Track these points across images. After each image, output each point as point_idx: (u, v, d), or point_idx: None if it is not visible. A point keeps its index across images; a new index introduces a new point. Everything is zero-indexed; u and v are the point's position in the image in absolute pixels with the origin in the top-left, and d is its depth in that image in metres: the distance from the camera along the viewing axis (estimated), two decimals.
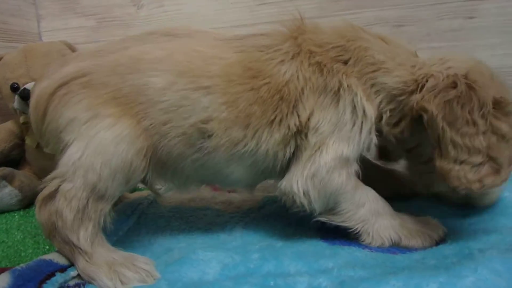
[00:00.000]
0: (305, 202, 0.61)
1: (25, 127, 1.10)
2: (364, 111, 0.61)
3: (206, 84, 0.60)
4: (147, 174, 0.64)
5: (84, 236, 0.58)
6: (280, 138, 0.62)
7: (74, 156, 0.58)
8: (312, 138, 0.61)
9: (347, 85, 0.61)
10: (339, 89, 0.61)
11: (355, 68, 0.62)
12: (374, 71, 0.62)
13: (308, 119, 0.61)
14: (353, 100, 0.61)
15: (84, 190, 0.58)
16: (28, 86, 1.02)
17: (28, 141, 1.09)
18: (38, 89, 0.63)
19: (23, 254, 0.74)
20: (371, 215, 0.63)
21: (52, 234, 0.59)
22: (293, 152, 0.64)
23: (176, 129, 0.61)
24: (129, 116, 0.60)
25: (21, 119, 1.07)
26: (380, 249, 0.63)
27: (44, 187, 0.61)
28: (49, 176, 0.60)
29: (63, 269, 0.60)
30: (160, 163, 0.64)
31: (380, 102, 0.63)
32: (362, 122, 0.61)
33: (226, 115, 0.61)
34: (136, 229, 0.76)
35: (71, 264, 0.61)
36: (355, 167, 0.62)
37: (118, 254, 0.60)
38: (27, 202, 1.06)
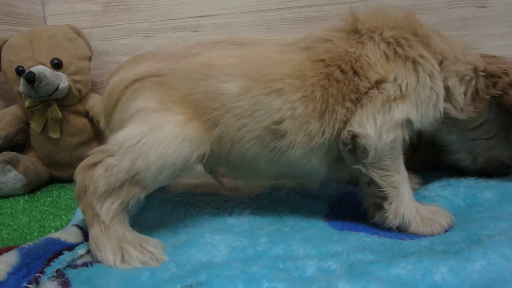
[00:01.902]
0: (367, 145, 0.62)
1: (30, 111, 1.10)
2: (435, 86, 0.65)
3: (278, 87, 0.63)
4: (213, 166, 0.69)
5: (108, 208, 0.60)
6: (349, 105, 0.64)
7: (131, 140, 0.60)
8: (391, 91, 0.63)
9: (426, 56, 0.65)
10: (420, 56, 0.65)
11: (427, 48, 0.66)
12: (443, 59, 0.68)
13: (384, 78, 0.63)
14: (428, 71, 0.65)
15: (127, 173, 0.59)
16: (34, 69, 1.02)
17: (33, 125, 1.09)
18: (112, 81, 0.67)
19: (28, 237, 0.74)
20: (401, 186, 0.64)
21: (81, 196, 0.61)
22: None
23: (251, 133, 0.64)
24: (200, 121, 0.62)
25: (26, 103, 1.07)
26: (388, 234, 0.63)
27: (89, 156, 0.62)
28: (97, 148, 0.62)
29: (70, 247, 0.59)
30: (233, 165, 0.68)
31: (454, 87, 0.70)
32: (438, 94, 0.65)
33: (302, 110, 0.63)
34: (143, 213, 0.76)
35: (79, 243, 0.61)
36: (407, 134, 0.65)
37: (132, 234, 0.61)
38: (32, 187, 1.07)
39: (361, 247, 0.58)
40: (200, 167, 0.65)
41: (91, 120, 1.14)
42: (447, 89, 0.69)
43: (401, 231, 0.65)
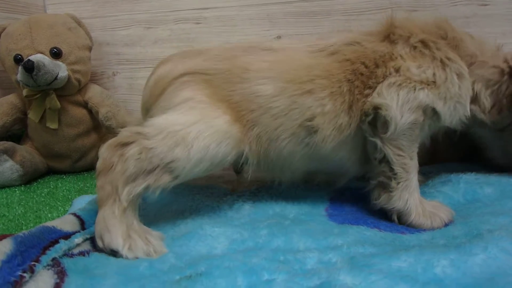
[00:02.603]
0: (388, 118, 0.64)
1: (28, 100, 1.08)
2: (463, 85, 0.67)
3: (310, 88, 0.66)
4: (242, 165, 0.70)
5: (130, 191, 0.59)
6: (369, 92, 0.66)
7: (175, 126, 0.60)
8: (415, 71, 0.65)
9: (453, 58, 0.67)
10: (447, 58, 0.67)
11: (455, 51, 0.69)
12: (472, 63, 0.70)
13: (408, 64, 0.66)
14: (459, 71, 0.67)
15: (162, 159, 0.59)
16: (32, 57, 1.01)
17: (31, 115, 1.08)
18: (160, 70, 0.70)
19: (24, 227, 0.74)
20: (411, 171, 0.66)
21: (104, 173, 0.59)
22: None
23: (286, 132, 0.67)
24: (241, 122, 0.65)
25: (24, 92, 1.06)
26: (389, 228, 0.64)
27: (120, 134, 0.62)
28: (130, 128, 0.62)
29: (67, 236, 0.58)
30: (269, 164, 0.70)
31: (480, 91, 0.72)
32: (465, 94, 0.67)
33: (330, 106, 0.66)
34: (142, 204, 0.73)
35: (76, 231, 0.60)
36: (432, 128, 0.68)
37: (139, 224, 0.61)
38: (29, 178, 1.06)
39: (362, 241, 0.59)
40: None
41: (90, 111, 1.14)
42: (473, 91, 0.72)
43: (401, 221, 0.65)
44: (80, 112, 1.11)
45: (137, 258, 0.56)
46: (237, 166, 0.73)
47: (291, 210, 0.72)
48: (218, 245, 0.58)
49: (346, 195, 0.77)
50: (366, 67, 0.68)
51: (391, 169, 0.65)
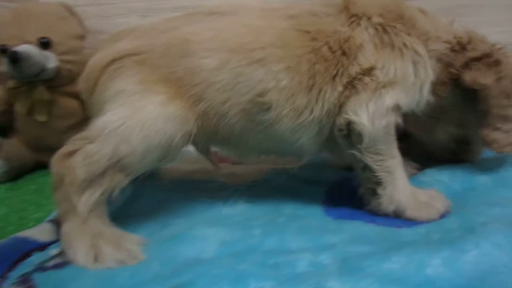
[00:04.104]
0: (361, 132, 0.62)
1: (14, 92, 1.03)
2: (424, 71, 0.65)
3: (260, 57, 0.62)
4: (204, 145, 0.70)
5: (87, 200, 0.57)
6: (341, 89, 0.64)
7: (113, 124, 0.59)
8: (380, 76, 0.63)
9: (411, 44, 0.65)
10: (404, 45, 0.65)
11: (413, 31, 0.66)
12: (426, 40, 0.67)
13: (374, 65, 0.63)
14: (415, 59, 0.65)
15: (109, 160, 0.58)
16: (19, 48, 0.97)
17: (17, 107, 1.04)
18: (91, 62, 0.66)
19: (5, 230, 0.71)
20: (396, 171, 0.65)
21: (57, 187, 0.59)
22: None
23: (236, 107, 0.63)
24: (183, 99, 0.62)
25: (9, 84, 1.03)
26: (386, 222, 0.63)
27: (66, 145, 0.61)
28: (76, 136, 0.61)
29: (42, 247, 0.54)
30: (222, 139, 0.68)
31: (433, 67, 0.68)
32: (424, 79, 0.66)
33: (287, 82, 0.63)
34: (131, 202, 0.74)
35: (53, 241, 0.57)
36: (399, 119, 0.66)
37: (110, 230, 0.59)
38: (14, 174, 1.04)
39: (357, 238, 0.58)
40: (187, 148, 0.64)
41: (83, 102, 1.07)
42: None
43: (398, 216, 0.64)
44: (72, 104, 1.08)
45: (111, 268, 0.54)
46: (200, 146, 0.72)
47: (287, 205, 0.70)
48: (208, 247, 0.56)
49: (344, 187, 0.76)
50: (331, 51, 0.64)
51: (375, 176, 0.64)
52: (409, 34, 0.66)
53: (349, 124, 0.63)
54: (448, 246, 0.50)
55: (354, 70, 0.63)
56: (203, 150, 0.73)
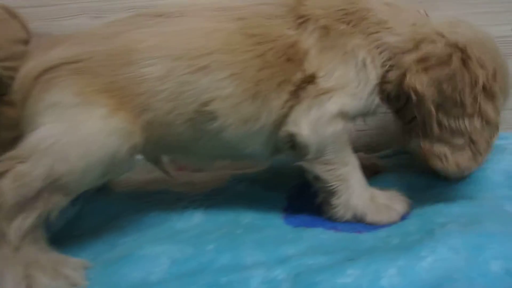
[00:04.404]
0: (305, 143, 0.61)
1: None
2: (366, 73, 0.62)
3: (204, 64, 0.60)
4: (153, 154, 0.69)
5: (18, 226, 0.54)
6: (286, 97, 0.62)
7: (48, 141, 0.55)
8: (321, 84, 0.61)
9: (353, 47, 0.62)
10: (346, 49, 0.62)
11: (357, 28, 0.63)
12: (378, 31, 0.63)
13: (316, 71, 0.61)
14: (357, 61, 0.62)
15: (44, 181, 0.54)
16: None
17: None
18: (23, 70, 0.61)
19: None
20: (350, 177, 0.63)
21: None
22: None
23: (182, 116, 0.61)
24: (127, 110, 0.59)
25: None
26: (346, 228, 0.62)
27: None
28: (5, 155, 0.56)
29: None
30: (171, 148, 0.67)
31: (385, 61, 0.64)
32: (365, 83, 0.62)
33: (232, 90, 0.60)
34: (76, 222, 0.70)
35: None
36: (350, 125, 0.63)
37: (47, 256, 0.56)
38: None
39: (315, 247, 0.57)
40: (135, 158, 0.62)
41: None
42: (381, 65, 0.64)
43: (359, 221, 0.63)
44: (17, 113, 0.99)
45: None
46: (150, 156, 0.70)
47: (246, 214, 0.69)
48: (156, 268, 0.54)
49: (305, 192, 0.73)
50: (276, 56, 0.61)
51: (328, 185, 0.63)
52: (353, 33, 0.62)
53: (291, 136, 0.61)
54: (405, 253, 0.49)
55: (298, 77, 0.61)
56: (153, 159, 0.70)
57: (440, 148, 0.61)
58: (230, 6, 0.64)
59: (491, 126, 0.61)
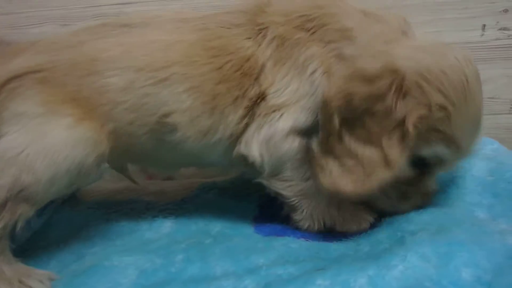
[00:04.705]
0: (258, 163, 0.60)
1: None
2: (319, 85, 0.59)
3: (165, 76, 0.59)
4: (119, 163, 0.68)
5: None
6: (242, 113, 0.61)
7: (12, 151, 0.54)
8: (272, 101, 0.59)
9: (306, 58, 0.59)
10: (301, 61, 0.59)
11: (316, 36, 0.60)
12: (337, 40, 0.59)
13: (268, 87, 0.60)
14: (312, 72, 0.59)
15: (8, 191, 0.53)
16: None
17: None
18: None
19: None
20: (312, 192, 0.62)
21: None
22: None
23: (144, 127, 0.61)
24: (92, 118, 0.58)
25: None
26: (316, 237, 0.62)
27: None
28: None
29: None
30: (136, 157, 0.67)
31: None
32: (316, 96, 0.59)
33: (190, 103, 0.60)
34: (43, 232, 0.69)
35: None
36: (308, 140, 0.61)
37: (12, 267, 0.55)
38: None
39: (285, 257, 0.57)
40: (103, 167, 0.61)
41: None
42: None
43: (329, 230, 0.63)
44: None
45: None
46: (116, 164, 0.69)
47: (216, 223, 0.68)
48: (124, 279, 0.53)
49: (276, 201, 0.72)
50: (233, 70, 0.60)
51: (290, 201, 0.62)
52: (309, 42, 0.59)
53: (243, 156, 0.61)
54: (375, 263, 0.49)
55: (254, 93, 0.60)
56: (119, 168, 0.70)
57: (329, 161, 0.56)
58: (193, 17, 0.64)
59: (389, 165, 0.53)
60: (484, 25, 0.89)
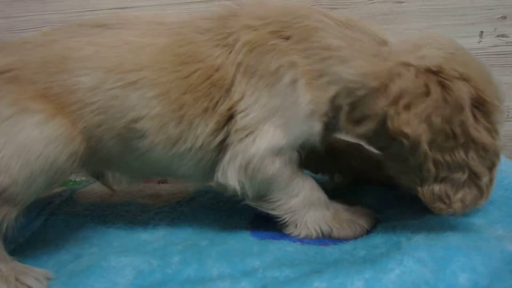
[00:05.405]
0: (239, 190, 0.59)
1: None
2: (299, 96, 0.56)
3: (134, 79, 0.57)
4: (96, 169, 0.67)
5: None
6: (214, 127, 0.58)
7: None
8: (242, 122, 0.57)
9: (284, 65, 0.56)
10: (274, 69, 0.56)
11: (297, 46, 0.56)
12: (325, 58, 0.56)
13: (238, 101, 0.57)
14: (289, 82, 0.56)
15: None
16: None
17: None
18: None
19: None
20: (303, 206, 0.61)
21: None
22: (223, 140, 0.60)
23: (110, 131, 0.59)
24: (64, 115, 0.56)
25: None
26: (312, 241, 0.62)
27: None
28: None
29: None
30: (104, 161, 0.64)
31: (336, 95, 0.57)
32: (298, 108, 0.57)
33: (160, 109, 0.58)
34: (42, 233, 0.69)
35: None
36: (292, 155, 0.59)
37: (9, 266, 0.54)
38: None
39: (281, 260, 0.57)
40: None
41: None
42: (330, 96, 0.57)
43: (325, 237, 0.62)
44: None
45: None
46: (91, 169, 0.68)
47: (212, 226, 0.68)
48: (122, 279, 0.54)
49: None
50: (201, 80, 0.57)
51: (281, 219, 0.61)
52: (287, 51, 0.56)
53: (223, 186, 0.59)
54: (372, 266, 0.49)
55: (224, 107, 0.57)
56: (96, 174, 0.68)
57: (440, 189, 0.53)
58: (171, 21, 0.62)
59: (489, 151, 0.52)
60: (482, 32, 0.89)
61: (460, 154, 0.52)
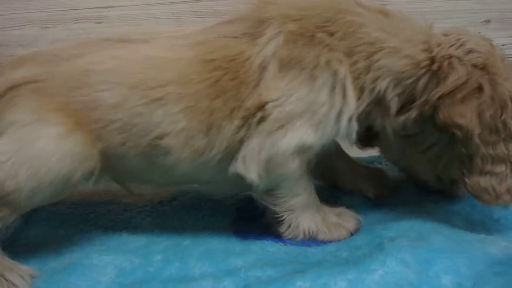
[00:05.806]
0: (255, 182, 0.57)
1: None
2: (344, 94, 0.55)
3: (159, 95, 0.56)
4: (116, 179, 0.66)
5: None
6: (240, 123, 0.56)
7: (1, 157, 0.53)
8: (274, 113, 0.55)
9: (329, 60, 0.54)
10: (318, 63, 0.54)
11: (343, 42, 0.55)
12: (374, 52, 0.55)
13: (270, 93, 0.55)
14: (333, 79, 0.54)
15: None
16: None
17: None
18: None
19: None
20: (300, 206, 0.61)
21: None
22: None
23: (134, 149, 0.58)
24: (84, 132, 0.56)
25: None
26: (295, 242, 0.62)
27: None
28: None
29: None
30: (127, 175, 0.64)
31: (386, 89, 0.56)
32: (341, 108, 0.55)
33: (186, 124, 0.57)
34: (23, 231, 0.69)
35: None
36: (312, 155, 0.58)
37: None
38: None
39: (263, 260, 0.57)
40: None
41: None
42: (375, 91, 0.56)
43: (310, 239, 0.63)
44: None
45: None
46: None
47: (194, 225, 0.68)
48: (103, 277, 0.54)
49: (254, 204, 0.72)
50: (230, 79, 0.55)
51: (277, 216, 0.61)
52: (334, 47, 0.54)
53: (240, 175, 0.57)
54: (355, 267, 0.49)
55: (251, 103, 0.55)
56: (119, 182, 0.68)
57: (486, 181, 0.55)
58: (192, 33, 0.60)
59: None
60: None
61: (501, 148, 0.54)
